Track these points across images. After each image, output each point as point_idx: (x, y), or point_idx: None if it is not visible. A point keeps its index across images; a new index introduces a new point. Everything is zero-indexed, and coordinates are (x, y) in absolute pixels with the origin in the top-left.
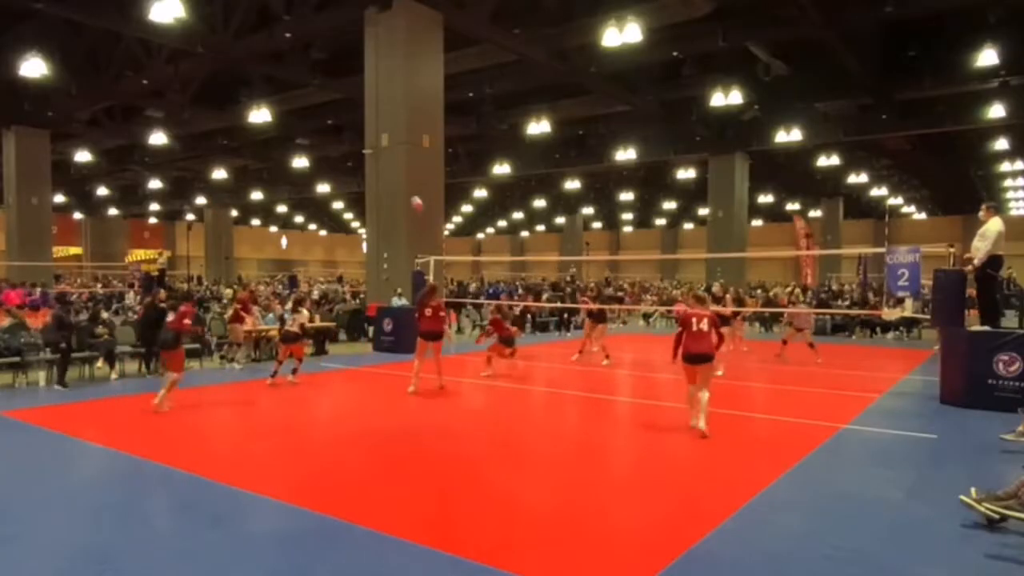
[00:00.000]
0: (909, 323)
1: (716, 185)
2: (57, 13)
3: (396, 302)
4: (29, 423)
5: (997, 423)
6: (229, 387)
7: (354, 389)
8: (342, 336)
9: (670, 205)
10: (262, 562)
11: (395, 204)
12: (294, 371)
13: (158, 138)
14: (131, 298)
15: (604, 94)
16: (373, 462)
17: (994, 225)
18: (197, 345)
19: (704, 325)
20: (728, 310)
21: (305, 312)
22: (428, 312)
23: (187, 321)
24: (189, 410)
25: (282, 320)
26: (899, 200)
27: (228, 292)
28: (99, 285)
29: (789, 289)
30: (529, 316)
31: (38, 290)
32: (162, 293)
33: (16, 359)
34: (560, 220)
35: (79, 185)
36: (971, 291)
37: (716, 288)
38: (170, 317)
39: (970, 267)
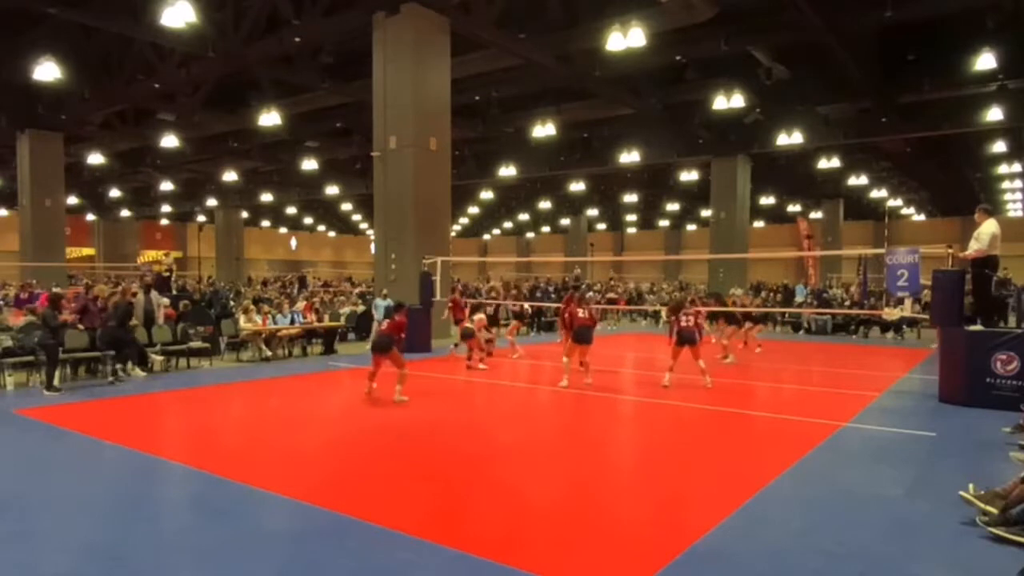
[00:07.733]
0: (908, 322)
1: (718, 187)
2: (70, 18)
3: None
4: (43, 421)
5: (995, 421)
6: (239, 386)
7: (362, 387)
8: (351, 336)
9: (673, 207)
10: (272, 558)
11: (403, 206)
12: (474, 357)
13: (169, 141)
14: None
15: (608, 97)
16: (382, 459)
17: (988, 227)
18: (207, 345)
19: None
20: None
21: (482, 315)
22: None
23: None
24: (199, 408)
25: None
26: (898, 202)
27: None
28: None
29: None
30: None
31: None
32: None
33: (30, 358)
34: (565, 221)
35: (92, 187)
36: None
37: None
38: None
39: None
